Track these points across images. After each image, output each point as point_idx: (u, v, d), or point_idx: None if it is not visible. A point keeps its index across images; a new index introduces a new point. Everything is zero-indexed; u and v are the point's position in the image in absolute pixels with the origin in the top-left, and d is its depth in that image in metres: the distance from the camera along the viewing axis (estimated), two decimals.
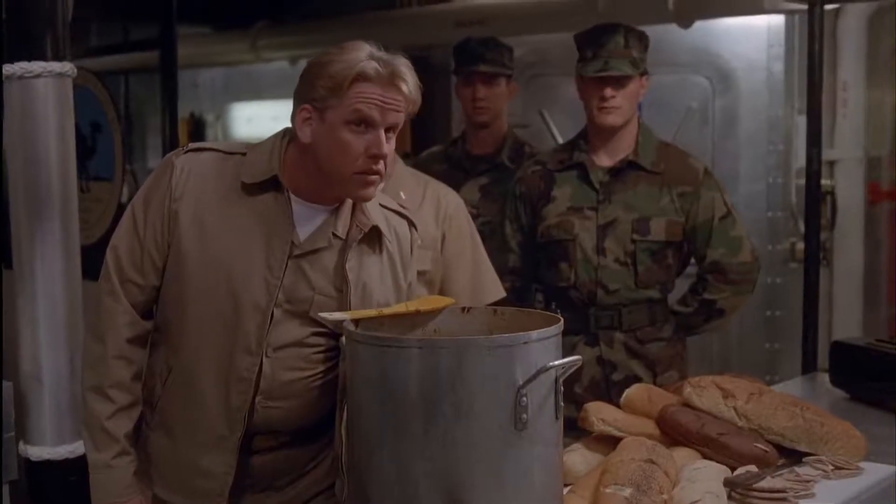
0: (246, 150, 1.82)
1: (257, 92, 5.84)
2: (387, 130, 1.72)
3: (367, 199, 1.78)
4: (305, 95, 1.73)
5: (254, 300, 1.74)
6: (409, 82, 1.72)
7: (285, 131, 1.82)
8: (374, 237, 1.83)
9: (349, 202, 1.81)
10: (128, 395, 1.80)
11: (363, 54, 1.70)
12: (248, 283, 1.75)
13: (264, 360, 1.76)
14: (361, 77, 1.68)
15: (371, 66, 1.69)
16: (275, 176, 1.76)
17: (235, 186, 1.78)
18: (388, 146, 1.73)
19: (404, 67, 1.72)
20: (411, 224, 1.93)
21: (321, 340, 1.79)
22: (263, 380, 1.77)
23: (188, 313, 1.77)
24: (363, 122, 1.70)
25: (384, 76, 1.69)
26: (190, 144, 1.85)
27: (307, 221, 1.78)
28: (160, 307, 1.83)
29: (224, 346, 1.76)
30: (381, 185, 1.80)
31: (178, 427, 1.83)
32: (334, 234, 1.79)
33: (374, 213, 1.83)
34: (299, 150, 1.77)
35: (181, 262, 1.76)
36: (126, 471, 1.79)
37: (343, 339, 1.61)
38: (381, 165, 1.72)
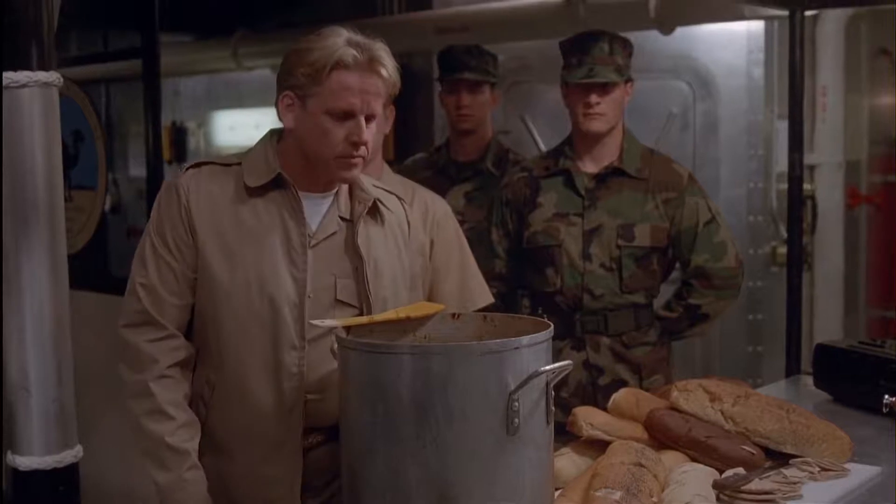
0: (240, 161, 1.85)
1: (239, 100, 5.83)
2: (367, 117, 1.74)
3: (350, 181, 1.82)
4: (286, 82, 1.77)
5: (287, 296, 1.77)
6: (388, 66, 1.75)
7: (272, 132, 1.87)
8: (374, 210, 1.87)
9: (346, 185, 1.86)
10: (185, 413, 1.78)
11: (341, 41, 1.73)
12: (277, 280, 1.77)
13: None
14: (340, 65, 1.71)
15: (349, 54, 1.71)
16: (279, 174, 1.79)
17: (241, 192, 1.80)
18: (369, 131, 1.76)
19: (382, 52, 1.74)
20: (402, 200, 1.97)
21: None
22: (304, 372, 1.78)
23: (225, 325, 1.78)
24: (343, 111, 1.72)
25: (363, 62, 1.72)
26: (188, 164, 1.87)
27: (312, 211, 1.82)
28: (195, 330, 1.82)
29: (267, 346, 1.77)
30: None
31: (234, 443, 1.80)
32: (341, 217, 1.83)
33: (372, 190, 1.88)
34: (288, 141, 1.81)
35: (209, 275, 1.78)
36: (201, 484, 1.76)
37: (335, 345, 1.61)
38: (362, 150, 1.76)
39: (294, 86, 1.75)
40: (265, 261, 1.77)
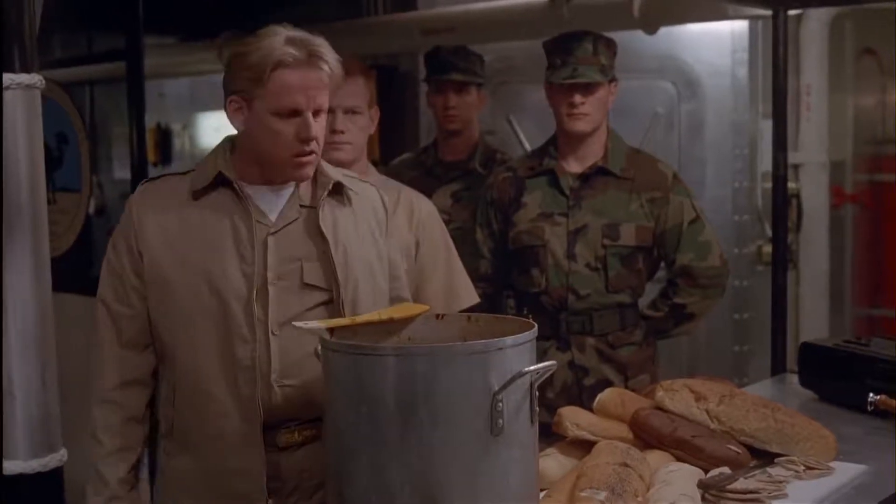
0: (196, 167, 1.89)
1: (224, 102, 5.81)
2: (315, 112, 1.76)
3: (304, 179, 1.84)
4: (231, 87, 1.79)
5: (235, 290, 1.78)
6: (329, 59, 1.76)
7: (227, 138, 1.89)
8: (340, 193, 1.88)
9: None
10: (119, 439, 1.83)
11: (278, 40, 1.74)
12: (225, 276, 1.79)
13: (271, 339, 1.79)
14: (280, 65, 1.73)
15: (288, 52, 1.73)
16: (219, 173, 1.82)
17: (189, 198, 1.83)
18: (318, 126, 1.77)
19: (322, 47, 1.76)
20: (377, 188, 1.98)
21: (326, 311, 1.82)
22: (274, 359, 1.79)
23: (178, 325, 1.81)
24: (289, 110, 1.74)
25: (302, 60, 1.73)
26: (145, 180, 1.92)
27: (276, 202, 1.84)
28: (155, 338, 1.86)
29: (220, 342, 1.79)
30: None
31: (200, 441, 1.83)
32: (302, 205, 1.85)
33: (334, 173, 1.89)
34: (242, 144, 1.83)
35: (160, 280, 1.81)
36: None
37: (319, 348, 1.61)
38: (312, 146, 1.77)
39: (239, 90, 1.77)
40: (214, 259, 1.80)
